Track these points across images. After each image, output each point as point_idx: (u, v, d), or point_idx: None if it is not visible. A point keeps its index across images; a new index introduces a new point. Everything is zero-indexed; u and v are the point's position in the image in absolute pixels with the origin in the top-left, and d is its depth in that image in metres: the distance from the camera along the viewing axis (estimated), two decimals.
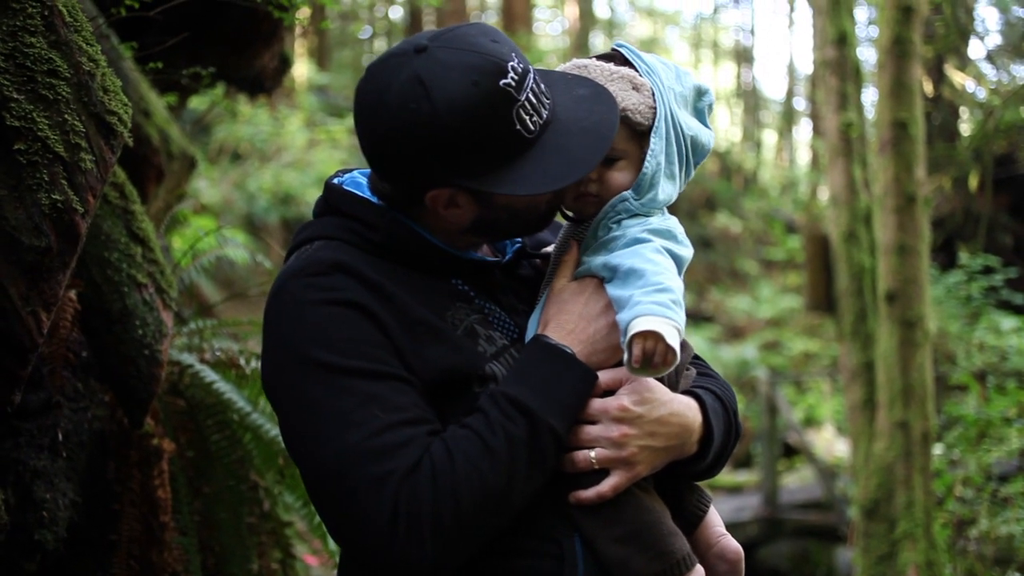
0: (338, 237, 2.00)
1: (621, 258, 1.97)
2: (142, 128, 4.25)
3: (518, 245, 2.20)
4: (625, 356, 1.86)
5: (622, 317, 1.90)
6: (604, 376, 1.97)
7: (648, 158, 2.05)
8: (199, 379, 3.54)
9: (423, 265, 2.02)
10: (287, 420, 1.92)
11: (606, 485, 1.91)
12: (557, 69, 2.11)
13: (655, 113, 2.06)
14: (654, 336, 1.84)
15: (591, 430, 1.93)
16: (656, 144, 2.05)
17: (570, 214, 2.16)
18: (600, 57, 2.13)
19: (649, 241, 2.00)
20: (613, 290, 1.96)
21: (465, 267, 2.07)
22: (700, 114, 2.17)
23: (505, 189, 1.92)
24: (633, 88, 2.05)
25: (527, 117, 1.91)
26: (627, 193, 2.05)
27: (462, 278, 2.05)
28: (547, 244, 2.26)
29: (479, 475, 1.79)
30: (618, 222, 2.05)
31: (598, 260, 2.02)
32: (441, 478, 1.77)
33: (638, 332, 1.84)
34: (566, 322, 1.98)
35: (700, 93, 2.17)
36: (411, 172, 1.96)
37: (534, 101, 1.92)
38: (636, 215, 2.05)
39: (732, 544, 2.17)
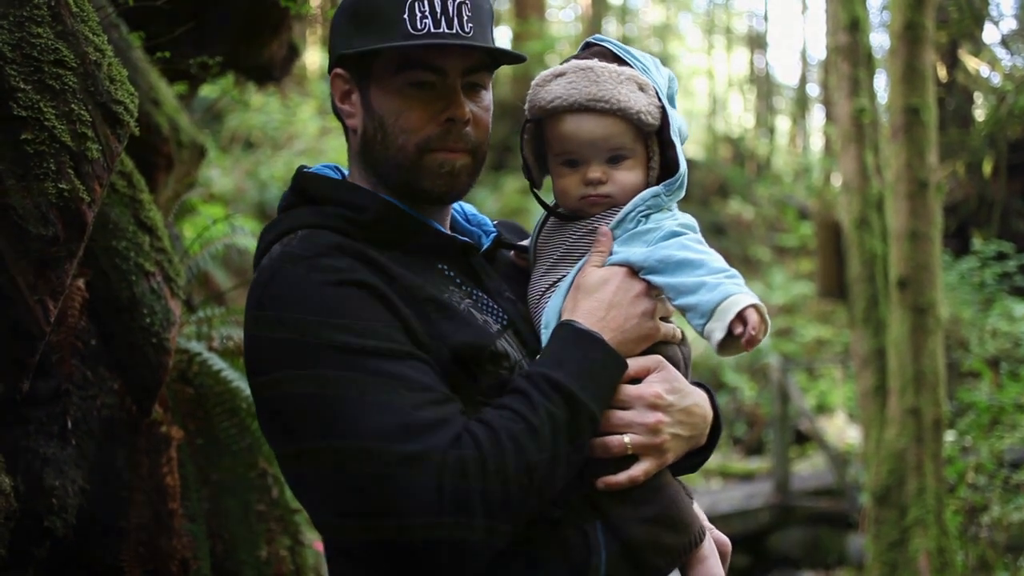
0: (324, 225, 1.99)
1: (669, 249, 2.01)
2: (151, 117, 4.27)
3: (494, 234, 2.22)
4: (719, 335, 1.88)
5: (702, 300, 1.92)
6: (633, 364, 1.99)
7: (681, 159, 2.09)
8: (207, 367, 3.56)
9: (410, 245, 2.03)
10: (291, 410, 1.84)
11: (638, 470, 1.93)
12: (561, 66, 2.12)
13: (662, 113, 2.10)
14: (756, 310, 1.89)
15: (625, 415, 1.95)
16: (678, 144, 2.11)
17: (561, 211, 2.17)
18: (594, 54, 2.14)
19: (686, 234, 2.05)
20: (667, 279, 1.99)
21: (448, 248, 2.09)
22: (672, 100, 2.20)
23: (347, 48, 2.03)
24: (640, 89, 2.08)
25: (419, 14, 1.96)
26: (659, 188, 2.09)
27: (447, 263, 2.06)
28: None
29: (525, 455, 1.78)
30: (647, 216, 2.08)
31: (636, 251, 2.04)
32: (489, 456, 1.75)
33: (747, 306, 1.87)
34: (596, 309, 1.99)
35: (670, 80, 2.21)
36: (330, 48, 2.12)
37: (436, 10, 1.97)
38: (661, 210, 2.09)
39: (721, 536, 2.20)
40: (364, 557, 1.90)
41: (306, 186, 2.11)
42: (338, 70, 2.09)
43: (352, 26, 2.03)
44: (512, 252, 2.27)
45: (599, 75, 2.06)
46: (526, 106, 2.13)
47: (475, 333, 1.93)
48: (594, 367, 1.92)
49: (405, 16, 1.95)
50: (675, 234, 2.04)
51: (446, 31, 1.97)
